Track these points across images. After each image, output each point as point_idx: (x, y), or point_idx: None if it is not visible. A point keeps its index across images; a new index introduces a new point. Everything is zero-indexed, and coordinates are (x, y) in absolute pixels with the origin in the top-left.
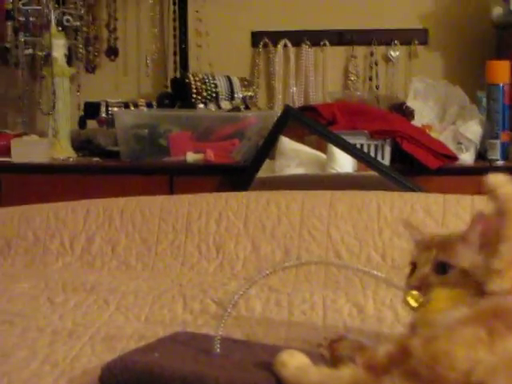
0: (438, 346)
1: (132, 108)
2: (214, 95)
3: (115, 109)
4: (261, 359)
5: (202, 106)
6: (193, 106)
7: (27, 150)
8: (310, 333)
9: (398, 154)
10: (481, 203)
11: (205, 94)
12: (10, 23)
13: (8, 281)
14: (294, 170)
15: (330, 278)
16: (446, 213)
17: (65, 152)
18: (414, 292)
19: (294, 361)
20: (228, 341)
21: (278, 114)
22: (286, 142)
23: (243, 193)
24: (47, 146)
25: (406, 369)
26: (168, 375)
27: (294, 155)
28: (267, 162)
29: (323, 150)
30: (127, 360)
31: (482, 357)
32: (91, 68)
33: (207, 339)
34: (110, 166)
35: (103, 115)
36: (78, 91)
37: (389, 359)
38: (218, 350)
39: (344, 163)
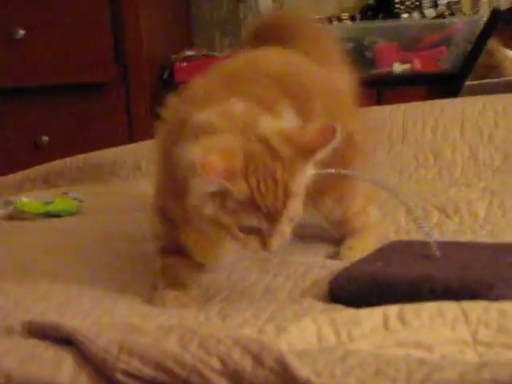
0: None
1: (335, 22)
2: (417, 3)
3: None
4: (484, 258)
5: (405, 15)
6: (396, 16)
7: None
8: None
9: None
10: None
11: (408, 2)
12: None
13: None
14: None
15: None
16: None
17: None
18: None
19: None
20: (446, 244)
21: (485, 18)
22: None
23: (458, 99)
24: None
25: None
26: (396, 281)
27: None
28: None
29: None
30: (353, 271)
31: None
32: None
33: (424, 245)
34: None
35: None
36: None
37: None
38: (438, 254)
39: None
